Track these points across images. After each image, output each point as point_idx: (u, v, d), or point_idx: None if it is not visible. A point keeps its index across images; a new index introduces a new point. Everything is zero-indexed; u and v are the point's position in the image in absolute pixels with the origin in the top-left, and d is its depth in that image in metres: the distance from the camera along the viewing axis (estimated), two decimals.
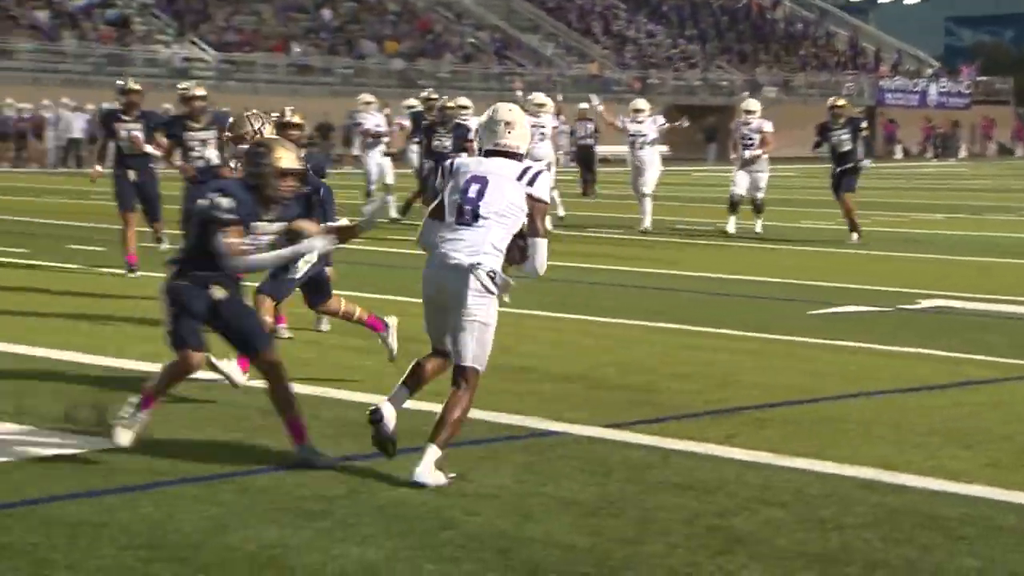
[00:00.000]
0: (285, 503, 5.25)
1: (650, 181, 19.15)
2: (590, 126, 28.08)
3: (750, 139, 18.75)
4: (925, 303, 11.54)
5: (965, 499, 5.43)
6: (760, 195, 18.77)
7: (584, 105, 29.53)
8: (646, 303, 11.68)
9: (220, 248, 5.78)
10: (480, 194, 5.66)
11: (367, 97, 20.92)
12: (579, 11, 60.70)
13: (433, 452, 5.57)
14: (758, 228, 18.54)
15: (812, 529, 5.04)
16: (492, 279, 5.60)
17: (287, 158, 5.82)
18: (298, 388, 6.18)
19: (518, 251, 5.72)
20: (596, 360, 8.64)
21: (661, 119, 20.11)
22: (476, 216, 5.65)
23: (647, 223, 18.76)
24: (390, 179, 20.16)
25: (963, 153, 62.63)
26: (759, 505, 5.34)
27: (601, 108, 20.46)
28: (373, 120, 20.41)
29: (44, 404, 7.02)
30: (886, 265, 14.97)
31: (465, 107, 17.74)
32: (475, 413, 6.91)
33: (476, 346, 5.65)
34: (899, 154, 60.72)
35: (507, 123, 5.83)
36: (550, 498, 5.43)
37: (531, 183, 5.72)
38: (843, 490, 5.58)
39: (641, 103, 20.08)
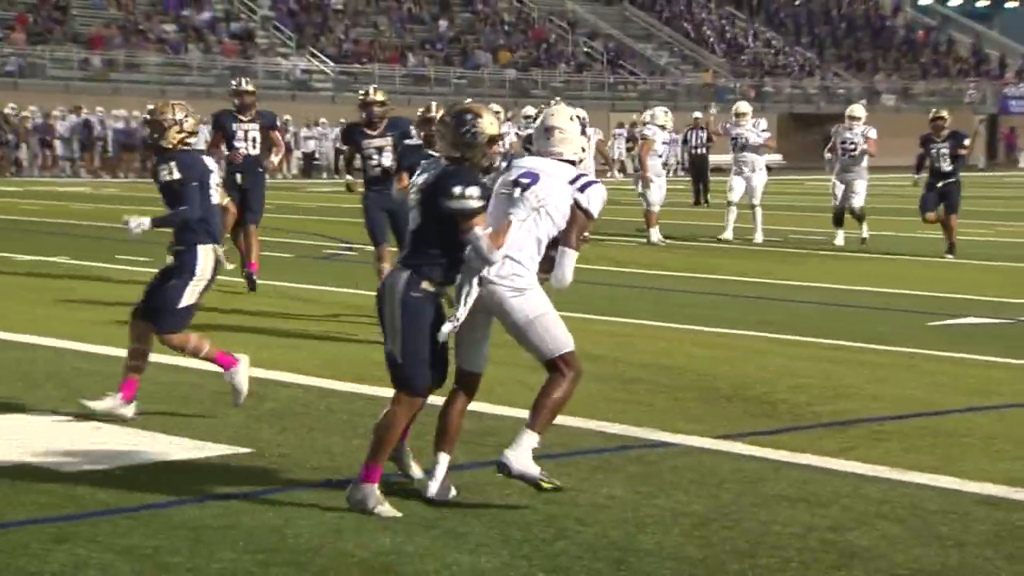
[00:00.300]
0: (399, 510, 5.29)
1: (757, 189, 18.86)
2: (703, 135, 27.94)
3: (852, 144, 18.35)
4: None
5: None
6: (858, 202, 18.25)
7: (698, 114, 29.34)
8: (757, 313, 11.57)
9: (478, 243, 5.20)
10: (526, 188, 5.43)
11: (494, 107, 20.65)
12: (693, 19, 60.41)
13: (529, 437, 5.29)
14: (864, 234, 18.14)
15: (930, 546, 4.95)
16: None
17: (493, 122, 5.40)
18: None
19: (548, 261, 5.44)
20: (708, 371, 8.58)
21: (763, 123, 19.66)
22: None
23: (728, 233, 18.63)
24: None
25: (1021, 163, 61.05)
26: (876, 519, 5.26)
27: (713, 116, 20.17)
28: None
29: (166, 408, 7.16)
30: (1006, 276, 14.65)
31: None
32: (586, 423, 6.93)
33: (546, 337, 5.32)
34: (1022, 163, 59.41)
35: (553, 128, 5.56)
36: (662, 509, 5.40)
37: (582, 190, 5.45)
38: (963, 506, 5.46)
39: (744, 106, 19.71)
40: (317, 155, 42.49)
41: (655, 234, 18.36)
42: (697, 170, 28.30)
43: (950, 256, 16.54)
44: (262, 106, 13.59)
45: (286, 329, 10.20)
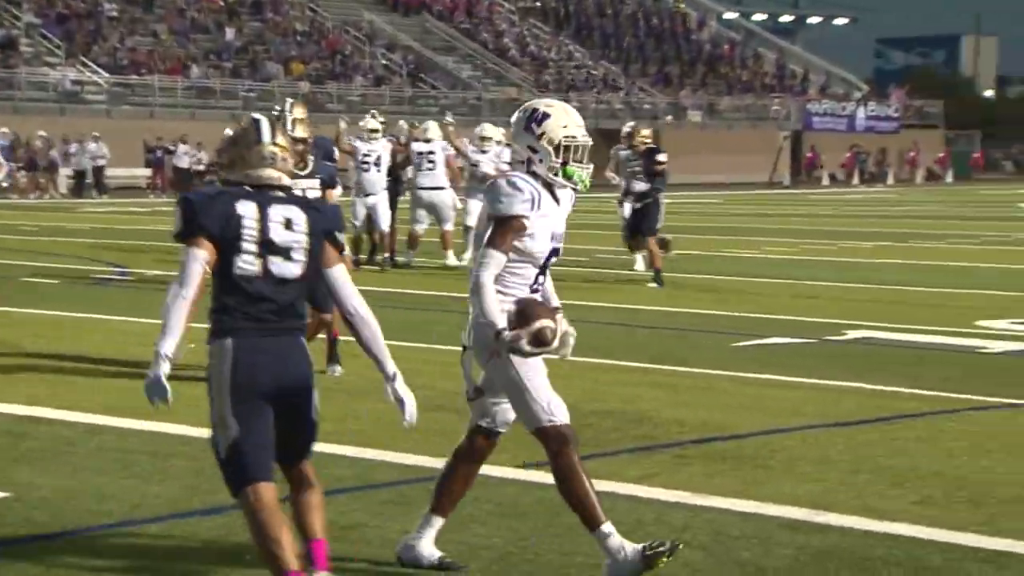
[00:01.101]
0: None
1: (472, 212, 17.23)
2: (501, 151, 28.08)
3: (639, 167, 17.05)
4: (852, 334, 11.69)
5: (892, 539, 5.48)
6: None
7: (502, 130, 29.57)
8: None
9: None
10: None
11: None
12: (496, 32, 61.00)
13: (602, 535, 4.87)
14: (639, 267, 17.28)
15: (731, 572, 5.06)
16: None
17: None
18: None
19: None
20: None
21: (507, 153, 18.90)
22: None
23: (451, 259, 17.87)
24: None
25: (891, 179, 63.65)
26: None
27: (452, 128, 18.74)
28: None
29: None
30: (813, 295, 15.15)
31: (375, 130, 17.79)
32: (382, 454, 6.90)
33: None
34: (826, 180, 61.60)
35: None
36: (460, 544, 5.40)
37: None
38: (766, 531, 5.61)
39: (489, 129, 18.41)
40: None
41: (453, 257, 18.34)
42: None
43: (654, 285, 15.60)
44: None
45: (50, 363, 9.90)
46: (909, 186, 59.49)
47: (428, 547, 5.13)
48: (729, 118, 64.33)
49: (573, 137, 4.93)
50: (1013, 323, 12.26)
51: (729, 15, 74.45)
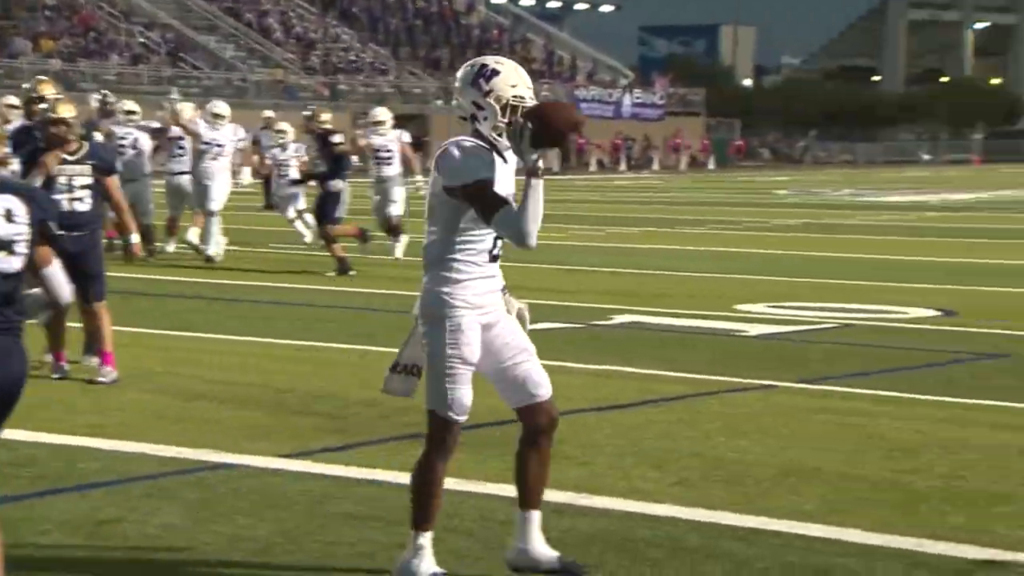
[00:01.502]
0: None
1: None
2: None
3: (388, 151, 17.21)
4: (618, 319, 11.92)
5: (654, 520, 5.61)
6: (396, 211, 17.39)
7: (269, 113, 29.16)
8: (333, 324, 11.66)
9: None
10: None
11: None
12: (259, 11, 60.08)
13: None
14: (398, 253, 17.09)
15: (497, 557, 5.10)
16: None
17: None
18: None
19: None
20: (279, 385, 8.55)
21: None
22: None
23: (212, 249, 16.73)
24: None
25: (656, 165, 65.15)
26: (445, 533, 5.37)
27: (182, 110, 17.86)
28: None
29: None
30: (581, 280, 15.40)
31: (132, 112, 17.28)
32: (138, 446, 6.74)
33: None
34: (593, 166, 62.69)
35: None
36: (221, 536, 5.32)
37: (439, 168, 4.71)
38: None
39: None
40: None
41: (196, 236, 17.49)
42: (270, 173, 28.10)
43: (332, 273, 15.37)
44: None
45: None
46: (673, 173, 60.99)
47: (542, 549, 4.91)
48: None
49: (522, 98, 4.70)
50: (769, 307, 12.69)
51: (497, 0, 75.04)
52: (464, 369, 4.74)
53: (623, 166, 63.82)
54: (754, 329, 11.25)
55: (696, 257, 18.24)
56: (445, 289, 4.69)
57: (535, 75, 68.87)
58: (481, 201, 4.60)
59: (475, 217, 4.65)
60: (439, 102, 61.29)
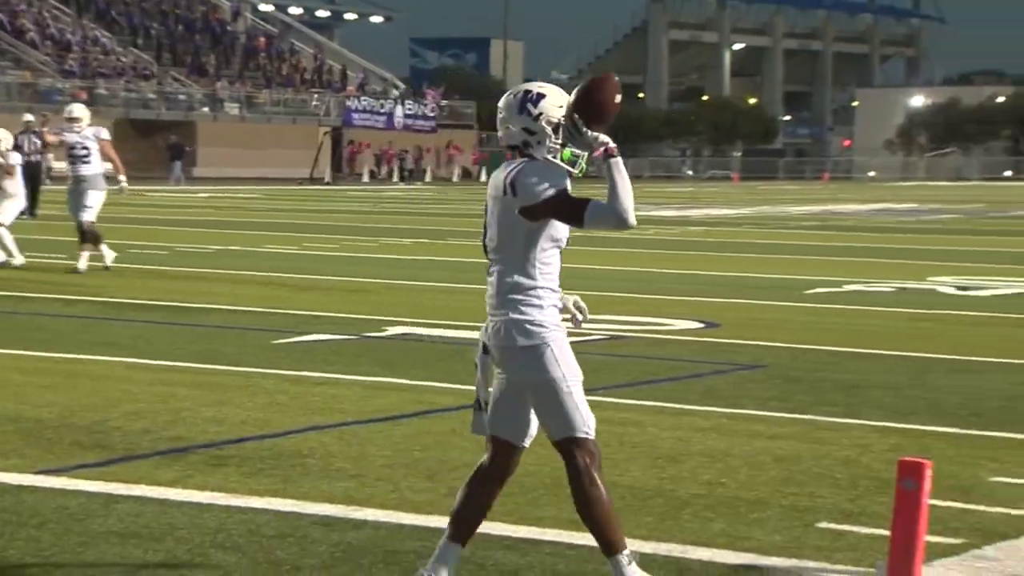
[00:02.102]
0: None
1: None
2: (36, 140, 26.92)
3: (84, 149, 16.46)
4: (392, 330, 11.89)
5: (425, 531, 5.58)
6: (88, 216, 16.53)
7: (29, 117, 28.27)
8: (90, 335, 11.33)
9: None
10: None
11: None
12: (11, 11, 58.10)
13: (619, 563, 4.61)
14: (81, 265, 16.37)
15: (266, 572, 5.01)
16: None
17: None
18: None
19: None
20: (32, 399, 8.25)
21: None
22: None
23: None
24: None
25: (429, 177, 65.39)
26: (211, 550, 5.25)
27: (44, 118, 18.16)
28: None
29: None
30: (354, 291, 15.31)
31: None
32: None
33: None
34: (366, 177, 62.54)
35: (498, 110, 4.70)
36: None
37: (514, 191, 4.62)
38: (302, 529, 5.59)
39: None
40: None
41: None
42: (31, 178, 27.23)
43: None
44: None
45: None
46: (446, 184, 61.30)
47: None
48: (268, 112, 64.19)
49: (566, 118, 4.64)
50: None
51: (264, 7, 74.25)
52: (580, 384, 4.65)
53: (396, 177, 63.86)
54: None
55: (470, 269, 18.32)
56: (537, 317, 4.63)
57: (304, 84, 68.72)
58: (569, 206, 4.58)
59: (553, 238, 4.64)
60: (205, 109, 60.31)
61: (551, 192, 4.57)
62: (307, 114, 64.92)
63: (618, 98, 4.61)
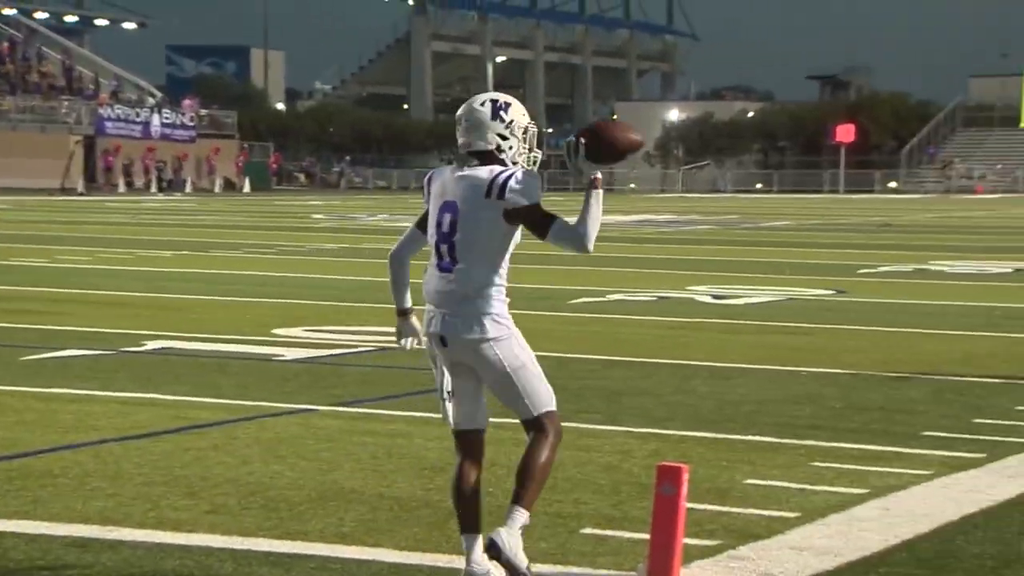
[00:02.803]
0: None
1: None
2: None
3: None
4: (151, 344, 11.62)
5: (185, 550, 5.47)
6: None
7: None
8: None
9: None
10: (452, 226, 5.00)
11: None
12: None
13: (520, 515, 4.94)
14: None
15: None
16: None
17: None
18: None
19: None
20: None
21: None
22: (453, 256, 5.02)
23: None
24: None
25: (189, 187, 64.25)
26: None
27: None
28: None
29: None
30: (111, 305, 14.92)
31: None
32: None
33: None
34: (122, 187, 61.08)
35: (462, 118, 5.01)
36: None
37: (501, 194, 4.89)
38: (53, 551, 5.41)
39: None
40: None
41: None
42: None
43: None
44: None
45: None
46: (208, 195, 60.29)
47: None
48: (15, 119, 62.11)
49: (532, 123, 5.07)
50: (307, 331, 12.72)
51: (8, 11, 71.82)
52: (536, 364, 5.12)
53: (154, 188, 62.54)
54: (291, 353, 11.24)
55: (232, 281, 18.06)
56: (503, 311, 5.03)
57: (54, 92, 66.67)
58: (540, 218, 4.92)
59: (516, 241, 5.01)
60: None
61: (535, 201, 4.94)
62: (57, 122, 63.02)
63: (633, 137, 4.97)
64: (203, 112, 71.16)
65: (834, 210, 48.63)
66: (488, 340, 4.99)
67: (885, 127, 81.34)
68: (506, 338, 5.02)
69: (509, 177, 4.91)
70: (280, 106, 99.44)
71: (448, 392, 5.16)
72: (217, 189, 65.25)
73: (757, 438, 7.95)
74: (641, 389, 9.73)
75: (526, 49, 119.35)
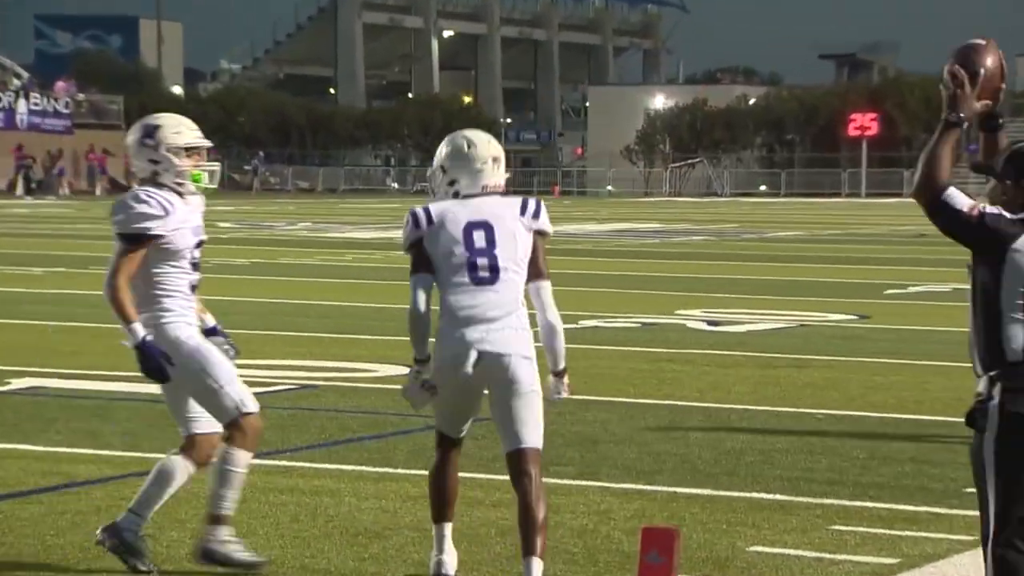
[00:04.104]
0: None
1: None
2: None
3: None
4: (16, 383, 11.58)
5: None
6: None
7: None
8: None
9: None
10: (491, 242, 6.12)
11: None
12: None
13: (539, 566, 5.99)
14: None
15: None
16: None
17: None
18: None
19: None
20: None
21: None
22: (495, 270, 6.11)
23: None
24: None
25: (65, 190, 63.95)
26: None
27: None
28: None
29: None
30: None
31: None
32: None
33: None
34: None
35: (495, 159, 6.23)
36: None
37: (536, 215, 6.22)
38: None
39: None
40: None
41: None
42: None
43: None
44: None
45: None
46: (88, 199, 60.06)
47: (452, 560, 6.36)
48: None
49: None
50: None
51: None
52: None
53: (21, 190, 62.22)
54: None
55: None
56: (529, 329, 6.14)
57: None
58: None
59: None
60: None
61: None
62: None
63: None
64: (81, 97, 70.84)
65: (854, 218, 48.98)
66: (527, 357, 6.06)
67: (915, 116, 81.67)
68: (535, 360, 6.09)
69: (538, 200, 6.30)
70: (177, 90, 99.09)
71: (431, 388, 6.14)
72: (100, 192, 64.95)
73: (763, 495, 7.98)
74: (622, 435, 9.75)
75: (478, 22, 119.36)
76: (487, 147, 6.23)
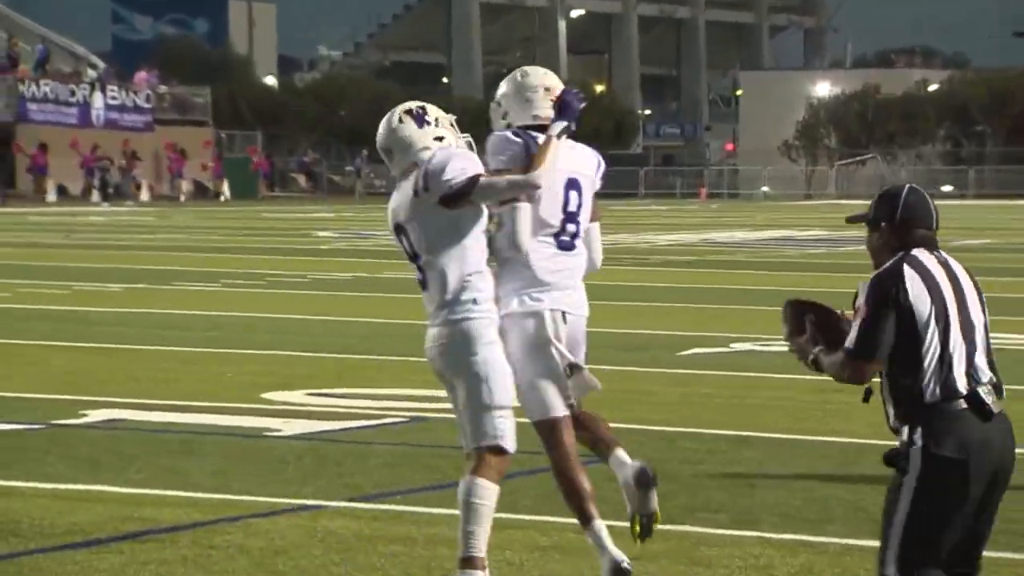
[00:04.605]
0: None
1: None
2: None
3: None
4: (93, 415, 11.72)
5: None
6: None
7: None
8: None
9: None
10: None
11: None
12: None
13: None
14: None
15: None
16: None
17: None
18: None
19: None
20: None
21: None
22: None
23: None
24: None
25: (145, 195, 64.57)
26: None
27: None
28: None
29: None
30: (38, 361, 15.07)
31: None
32: None
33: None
34: (53, 195, 61.48)
35: (546, 88, 7.07)
36: None
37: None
38: None
39: None
40: None
41: None
42: None
43: None
44: None
45: None
46: (171, 205, 60.70)
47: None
48: None
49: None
50: (309, 395, 12.77)
51: None
52: None
53: (96, 196, 62.97)
54: (289, 427, 11.29)
55: (205, 326, 18.18)
56: None
57: None
58: None
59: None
60: None
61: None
62: None
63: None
64: (163, 89, 71.62)
65: None
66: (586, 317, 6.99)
67: None
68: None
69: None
70: (271, 80, 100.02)
71: (571, 366, 6.88)
72: (184, 197, 65.65)
73: None
74: (783, 478, 9.69)
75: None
76: (541, 77, 7.12)
